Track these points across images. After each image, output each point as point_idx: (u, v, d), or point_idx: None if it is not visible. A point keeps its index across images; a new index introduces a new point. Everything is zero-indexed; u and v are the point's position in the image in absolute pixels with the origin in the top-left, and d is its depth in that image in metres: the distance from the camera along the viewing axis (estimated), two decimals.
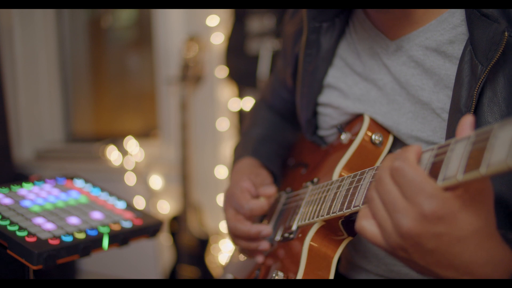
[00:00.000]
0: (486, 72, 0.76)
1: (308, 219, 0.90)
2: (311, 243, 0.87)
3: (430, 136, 0.86)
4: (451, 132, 0.79)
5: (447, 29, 0.85)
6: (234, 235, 1.04)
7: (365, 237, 0.66)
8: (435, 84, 0.86)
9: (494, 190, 0.75)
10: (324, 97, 1.03)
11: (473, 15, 0.80)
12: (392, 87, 0.92)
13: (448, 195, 0.59)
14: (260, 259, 1.02)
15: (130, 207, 1.08)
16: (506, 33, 0.75)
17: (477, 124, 0.77)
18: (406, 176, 0.60)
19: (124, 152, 3.00)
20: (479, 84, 0.76)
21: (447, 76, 0.84)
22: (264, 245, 1.01)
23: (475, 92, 0.76)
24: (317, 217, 0.87)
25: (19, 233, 0.87)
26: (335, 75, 1.02)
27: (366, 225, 0.65)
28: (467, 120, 0.61)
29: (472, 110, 0.77)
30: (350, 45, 1.01)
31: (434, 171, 0.61)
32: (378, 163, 0.91)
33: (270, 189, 1.03)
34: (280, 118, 1.28)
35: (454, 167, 0.58)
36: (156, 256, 2.95)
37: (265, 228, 1.00)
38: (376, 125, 0.94)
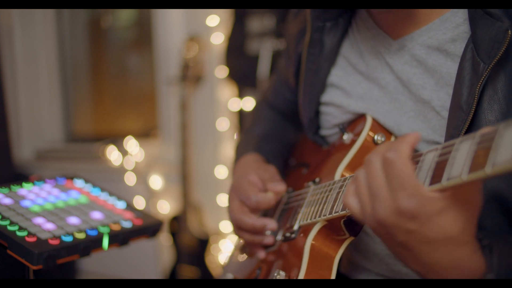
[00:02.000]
0: (488, 70, 0.76)
1: (310, 219, 0.90)
2: (313, 242, 0.87)
3: (430, 134, 0.86)
4: (450, 129, 0.79)
5: (449, 28, 0.85)
6: (239, 228, 1.03)
7: (351, 213, 0.70)
8: (436, 82, 0.86)
9: (493, 187, 0.76)
10: (326, 96, 1.03)
11: (476, 13, 0.80)
12: (395, 86, 0.92)
13: (429, 197, 0.61)
14: (261, 254, 1.01)
15: (130, 207, 1.07)
16: (509, 31, 0.75)
17: (478, 122, 0.78)
18: (394, 170, 0.62)
19: (124, 152, 3.00)
20: (481, 81, 0.76)
21: (448, 74, 0.84)
22: (269, 239, 1.00)
23: (477, 90, 0.77)
24: (319, 216, 0.87)
25: (19, 233, 0.86)
26: (338, 74, 1.02)
27: (352, 201, 0.69)
28: None
29: (474, 108, 0.77)
30: (353, 44, 1.01)
31: (439, 170, 0.61)
32: None
33: (280, 186, 1.01)
34: (282, 118, 1.27)
35: (459, 167, 0.58)
36: (156, 256, 2.95)
37: (271, 222, 1.00)
38: (378, 126, 0.93)
